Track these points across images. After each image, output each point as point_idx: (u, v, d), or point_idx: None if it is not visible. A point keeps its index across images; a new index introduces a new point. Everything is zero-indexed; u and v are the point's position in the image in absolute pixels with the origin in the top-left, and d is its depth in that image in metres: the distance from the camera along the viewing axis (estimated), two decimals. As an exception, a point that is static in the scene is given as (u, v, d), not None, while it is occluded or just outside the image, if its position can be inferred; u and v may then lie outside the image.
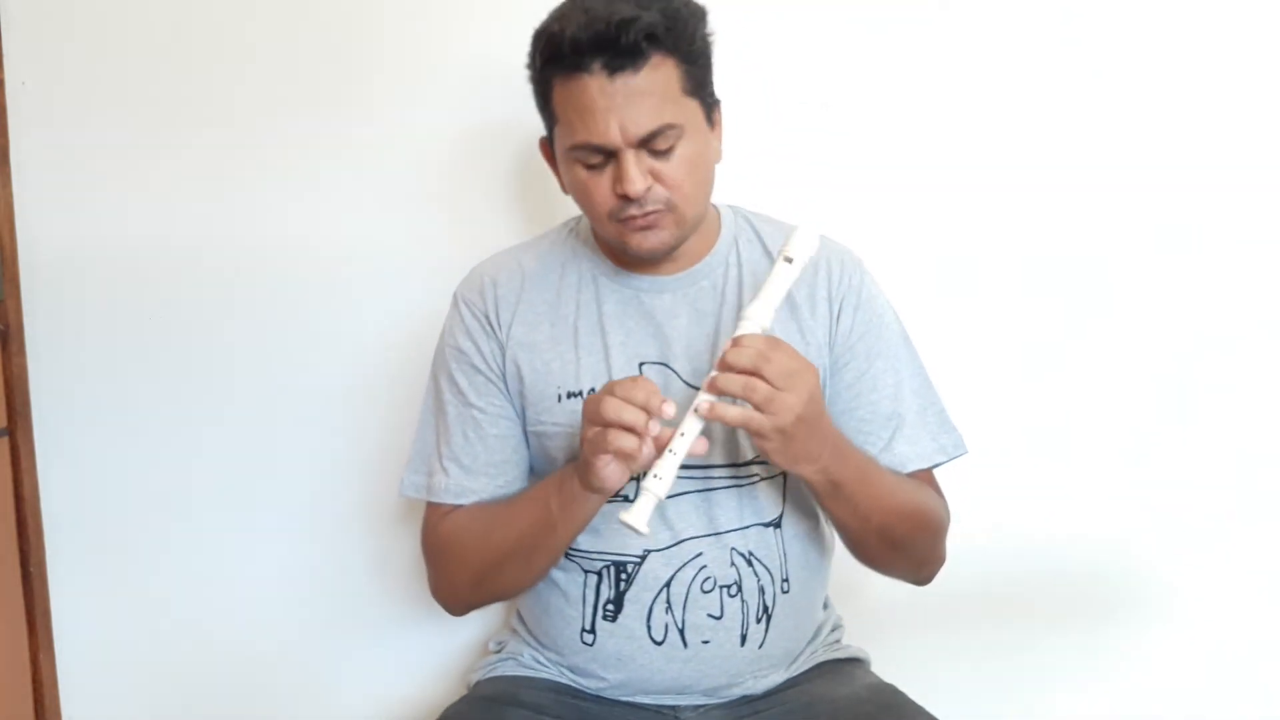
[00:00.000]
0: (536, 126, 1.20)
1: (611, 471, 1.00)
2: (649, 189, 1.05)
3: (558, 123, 1.08)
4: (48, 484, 1.50)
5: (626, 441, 0.96)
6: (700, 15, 1.09)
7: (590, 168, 1.07)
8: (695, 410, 0.99)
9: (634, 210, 1.06)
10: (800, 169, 1.45)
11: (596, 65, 1.02)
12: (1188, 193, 1.48)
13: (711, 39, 1.10)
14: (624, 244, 1.10)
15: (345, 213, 1.48)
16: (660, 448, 0.98)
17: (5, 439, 1.44)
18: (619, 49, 1.01)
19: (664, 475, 0.99)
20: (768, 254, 1.18)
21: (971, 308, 1.49)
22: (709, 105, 1.11)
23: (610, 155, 1.05)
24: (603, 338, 1.15)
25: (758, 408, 0.97)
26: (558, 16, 1.05)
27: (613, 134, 1.03)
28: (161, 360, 1.50)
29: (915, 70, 1.47)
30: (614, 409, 0.96)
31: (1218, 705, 1.53)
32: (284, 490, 1.52)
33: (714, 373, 0.99)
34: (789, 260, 1.03)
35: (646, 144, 1.04)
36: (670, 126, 1.05)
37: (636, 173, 1.04)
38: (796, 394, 0.97)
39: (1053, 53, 1.46)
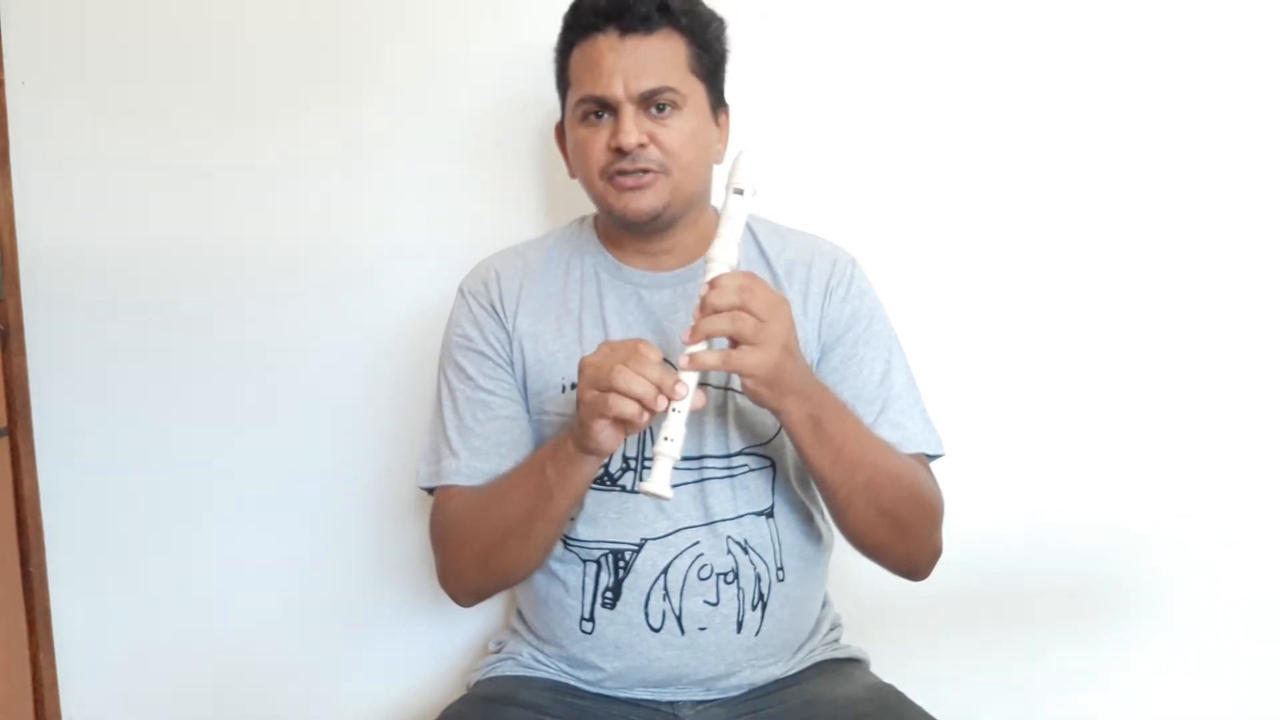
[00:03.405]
0: (549, 121, 1.20)
1: (608, 435, 1.00)
2: (643, 146, 1.09)
3: (570, 85, 1.14)
4: (48, 484, 1.50)
5: (629, 408, 0.96)
6: (720, 20, 1.17)
7: (590, 124, 1.12)
8: (679, 366, 0.99)
9: (625, 164, 1.10)
10: (795, 171, 1.45)
11: (610, 27, 1.10)
12: (1186, 192, 1.47)
13: (728, 48, 1.18)
14: (612, 207, 1.13)
15: (348, 209, 1.48)
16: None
17: (5, 439, 1.44)
18: (632, 14, 1.09)
19: (675, 436, 0.98)
20: (763, 254, 1.20)
21: (971, 306, 1.49)
22: (716, 100, 1.17)
23: (611, 113, 1.11)
24: (604, 331, 1.17)
25: (745, 341, 0.97)
26: None
27: (616, 87, 1.09)
28: (162, 360, 1.50)
29: (913, 71, 1.47)
30: (624, 380, 0.95)
31: (1217, 705, 1.53)
32: (283, 492, 1.52)
33: (693, 321, 0.99)
34: (739, 192, 1.03)
35: (647, 103, 1.10)
36: (671, 90, 1.11)
37: (632, 125, 1.09)
38: (780, 323, 0.98)
39: (1050, 54, 1.46)
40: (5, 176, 1.46)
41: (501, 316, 1.19)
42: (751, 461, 1.16)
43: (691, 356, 0.98)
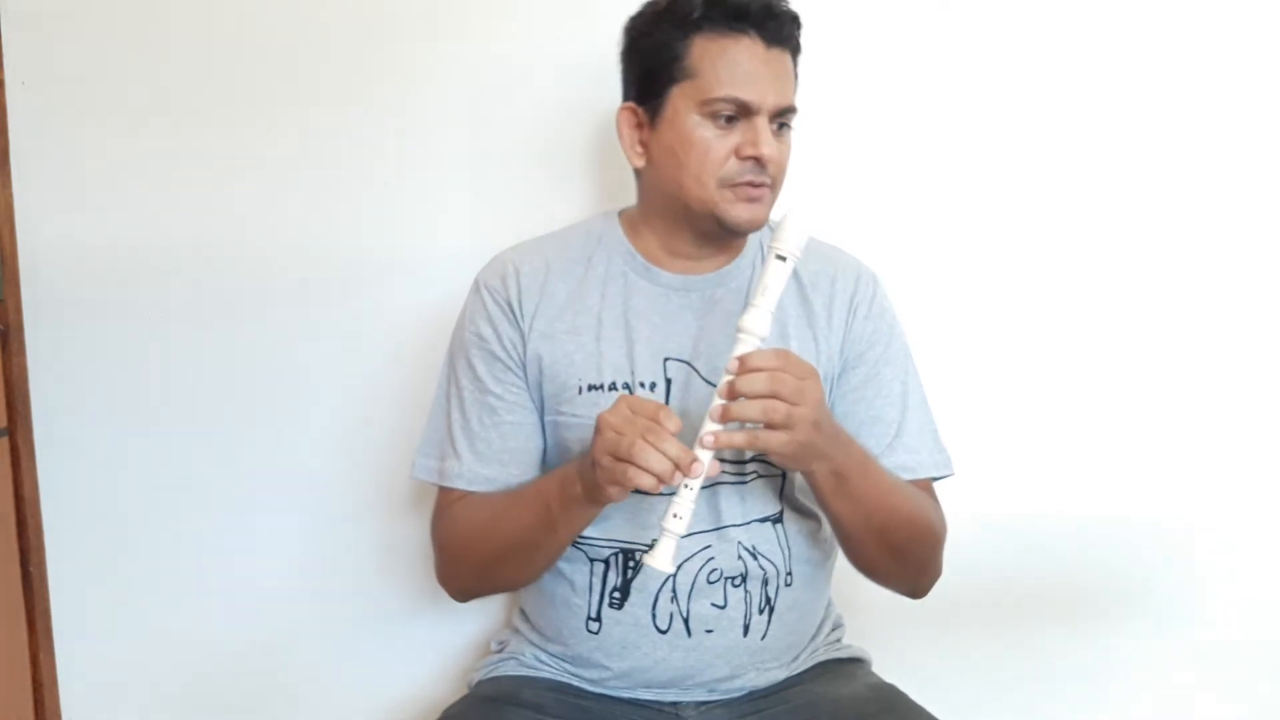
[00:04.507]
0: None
1: (621, 495, 1.00)
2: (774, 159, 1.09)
3: (691, 78, 1.10)
4: (48, 484, 1.50)
5: (645, 481, 0.96)
6: None
7: (720, 126, 1.09)
8: (700, 443, 0.98)
9: (753, 176, 1.09)
10: (808, 179, 1.45)
11: (754, 33, 1.08)
12: (1186, 196, 1.48)
13: None
14: (725, 214, 1.11)
15: (345, 205, 1.48)
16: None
17: (5, 439, 1.44)
18: (778, 28, 1.09)
19: (683, 514, 0.98)
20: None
21: (972, 308, 1.50)
22: None
23: (744, 118, 1.09)
24: (627, 332, 1.16)
25: (776, 427, 0.97)
26: None
27: (761, 95, 1.08)
28: (162, 359, 1.49)
29: (916, 73, 1.47)
30: (644, 457, 0.95)
31: (1217, 706, 1.54)
32: (283, 492, 1.52)
33: (719, 401, 0.98)
34: (782, 258, 1.01)
35: (777, 118, 1.10)
36: (794, 110, 1.12)
37: (771, 137, 1.09)
38: (809, 405, 0.98)
39: (1053, 56, 1.47)
40: (5, 176, 1.45)
41: (518, 316, 1.16)
42: (761, 469, 1.16)
43: (717, 435, 0.98)
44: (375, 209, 1.48)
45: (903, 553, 1.14)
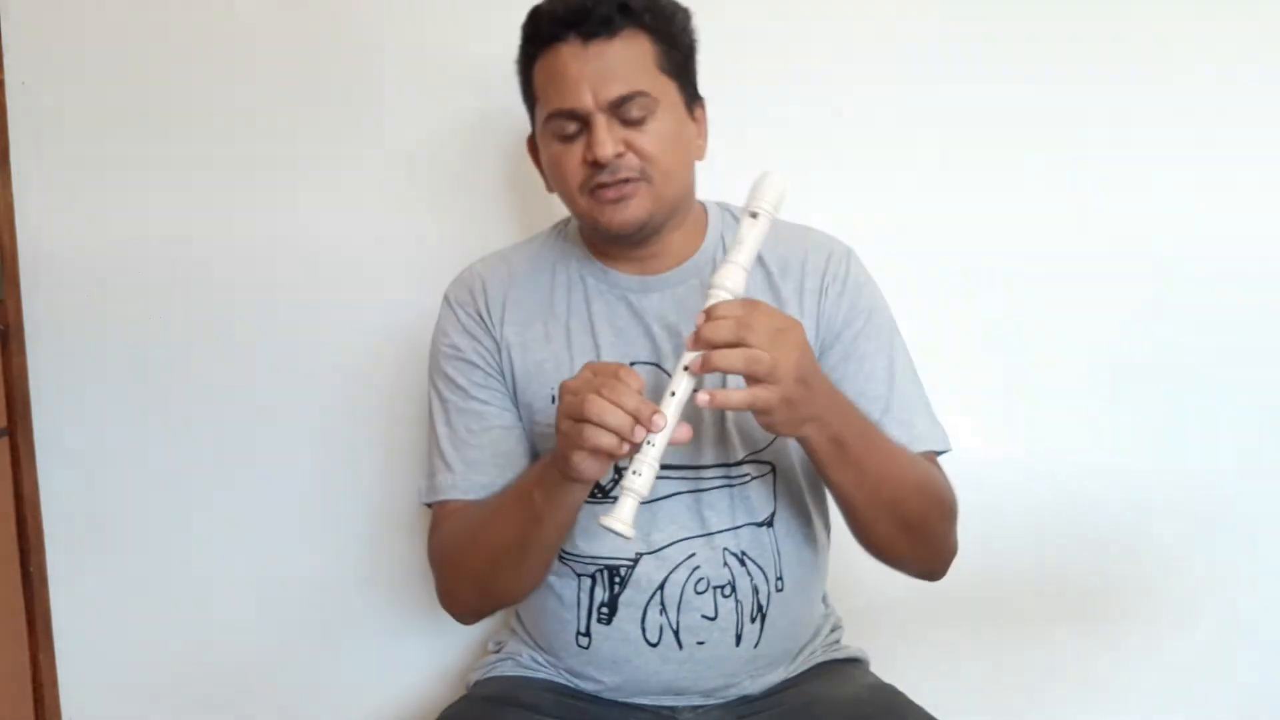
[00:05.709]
0: (522, 130, 1.19)
1: (589, 465, 0.96)
2: (620, 156, 1.05)
3: (538, 101, 1.10)
4: (48, 484, 1.51)
5: (606, 440, 0.92)
6: (684, 10, 1.12)
7: (564, 139, 1.08)
8: (673, 399, 0.94)
9: (604, 178, 1.06)
10: (787, 164, 1.44)
11: (572, 35, 1.05)
12: (1172, 165, 1.47)
13: (696, 38, 1.13)
14: (596, 221, 1.09)
15: (347, 213, 1.48)
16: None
17: (5, 439, 1.44)
18: (592, 19, 1.04)
19: (644, 472, 0.93)
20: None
21: (969, 299, 1.49)
22: (690, 96, 1.13)
23: (584, 125, 1.06)
24: (593, 338, 1.14)
25: (759, 379, 0.92)
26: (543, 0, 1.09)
27: (584, 98, 1.04)
28: (161, 360, 1.50)
29: (914, 68, 1.47)
30: (597, 410, 0.91)
31: (1218, 705, 1.53)
32: (284, 490, 1.52)
33: (691, 353, 0.94)
34: (754, 215, 0.98)
35: (619, 110, 1.05)
36: (642, 94, 1.06)
37: (606, 136, 1.04)
38: (789, 354, 0.92)
39: (1046, 51, 1.46)
40: (5, 176, 1.46)
41: (489, 325, 1.16)
42: (754, 470, 1.13)
43: (712, 394, 0.93)
44: (372, 217, 1.49)
45: (916, 527, 1.07)
